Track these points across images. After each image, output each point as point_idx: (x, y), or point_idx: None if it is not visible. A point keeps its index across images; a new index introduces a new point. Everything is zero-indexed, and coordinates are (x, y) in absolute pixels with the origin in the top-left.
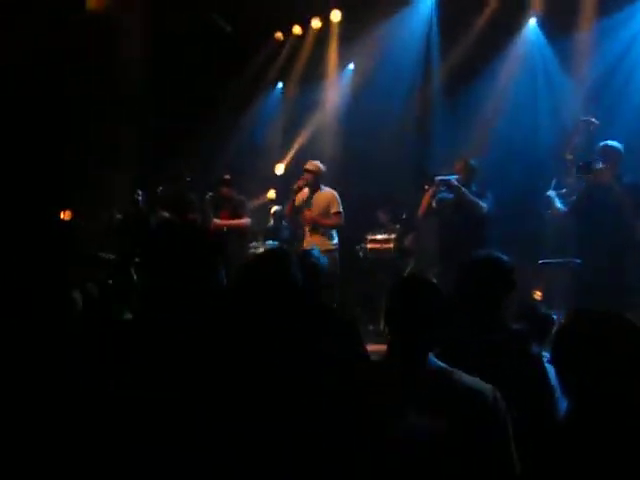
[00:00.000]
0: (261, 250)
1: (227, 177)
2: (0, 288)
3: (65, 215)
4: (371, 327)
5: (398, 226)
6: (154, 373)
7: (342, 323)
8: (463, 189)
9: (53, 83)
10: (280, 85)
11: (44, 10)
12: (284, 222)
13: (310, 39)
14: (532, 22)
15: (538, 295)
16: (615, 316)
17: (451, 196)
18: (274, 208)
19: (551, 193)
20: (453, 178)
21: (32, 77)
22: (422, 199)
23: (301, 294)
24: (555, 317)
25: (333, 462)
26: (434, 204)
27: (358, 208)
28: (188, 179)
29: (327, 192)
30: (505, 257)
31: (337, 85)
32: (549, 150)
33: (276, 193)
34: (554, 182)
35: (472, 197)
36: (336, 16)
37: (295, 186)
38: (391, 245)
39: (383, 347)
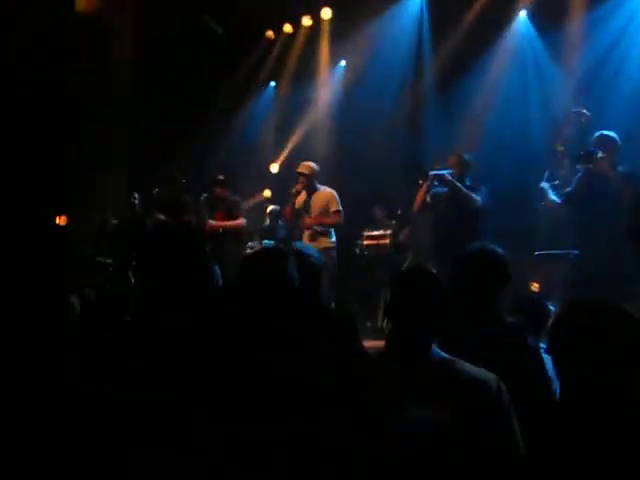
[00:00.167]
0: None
1: (220, 178)
2: None
3: (61, 220)
4: (369, 324)
5: (394, 222)
6: (151, 375)
7: (340, 321)
8: (457, 183)
9: (44, 85)
10: (272, 84)
11: (34, 11)
12: (280, 221)
13: (301, 37)
14: (522, 15)
15: (535, 287)
16: (612, 306)
17: (445, 190)
18: (270, 207)
19: (544, 185)
20: (447, 173)
21: (23, 79)
22: (416, 194)
23: (298, 293)
24: (552, 309)
25: (333, 460)
26: (428, 199)
27: (352, 205)
28: (183, 181)
29: (325, 191)
30: (499, 249)
31: (329, 83)
32: (541, 143)
33: (271, 192)
34: (547, 174)
35: (466, 191)
36: (327, 14)
37: (293, 190)
38: (387, 241)
39: (381, 343)
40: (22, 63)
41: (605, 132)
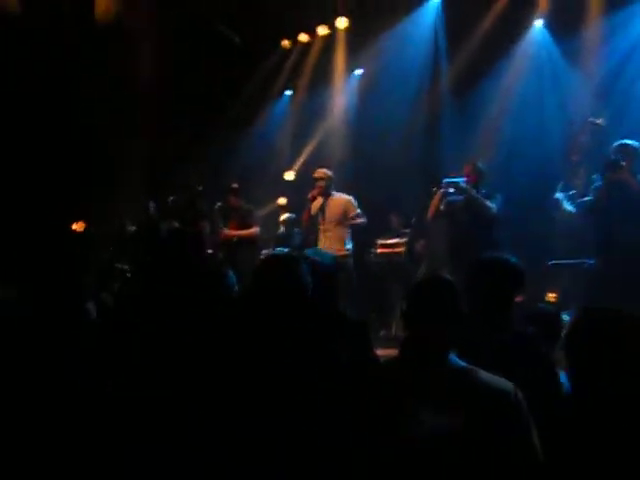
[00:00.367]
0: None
1: (235, 186)
2: (15, 299)
3: (78, 226)
4: (382, 332)
5: (409, 230)
6: (167, 378)
7: (352, 327)
8: (472, 190)
9: (63, 93)
10: (288, 93)
11: (55, 20)
12: (295, 229)
13: (317, 46)
14: (538, 23)
15: (552, 297)
16: (627, 315)
17: (460, 198)
18: (285, 215)
19: (559, 195)
20: (461, 181)
21: (42, 87)
22: (430, 202)
23: (310, 299)
24: (567, 319)
25: (343, 463)
26: (442, 207)
27: (368, 212)
28: (199, 188)
29: (340, 198)
30: (514, 259)
31: (345, 91)
32: (557, 150)
33: (286, 200)
34: (561, 184)
35: (481, 198)
36: (342, 23)
37: (310, 195)
38: (402, 249)
39: (394, 352)
40: (41, 71)
41: (626, 141)
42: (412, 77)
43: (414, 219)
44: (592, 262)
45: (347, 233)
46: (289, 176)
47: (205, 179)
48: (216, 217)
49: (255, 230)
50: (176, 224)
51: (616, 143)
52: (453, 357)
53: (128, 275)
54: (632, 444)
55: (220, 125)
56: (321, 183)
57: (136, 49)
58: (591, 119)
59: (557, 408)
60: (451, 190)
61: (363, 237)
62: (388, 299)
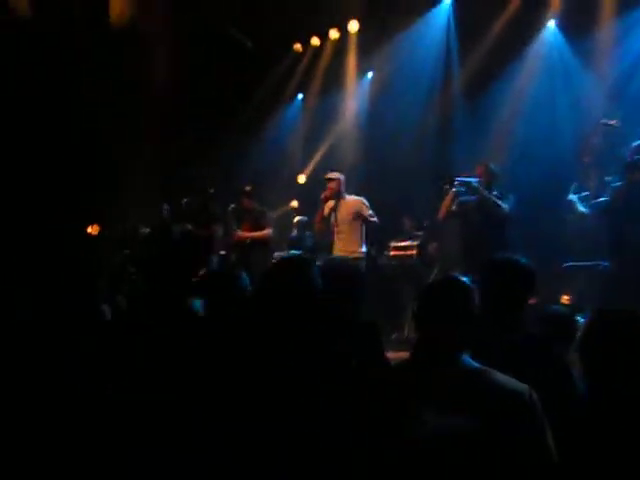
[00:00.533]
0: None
1: (248, 189)
2: (30, 302)
3: (93, 229)
4: (394, 335)
5: (421, 233)
6: (172, 380)
7: (363, 327)
8: (484, 190)
9: (77, 97)
10: (300, 96)
11: (68, 23)
12: (307, 231)
13: (328, 50)
14: (551, 24)
15: (566, 300)
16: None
17: (472, 198)
18: (297, 218)
19: (572, 197)
20: (474, 181)
21: (58, 92)
22: (442, 202)
23: (320, 300)
24: (581, 320)
25: (350, 465)
26: (454, 207)
27: (380, 215)
28: (211, 191)
29: (353, 200)
30: (524, 259)
31: (356, 93)
32: (569, 151)
33: (298, 202)
34: (574, 186)
35: (493, 198)
36: (353, 26)
37: (323, 197)
38: (414, 252)
39: (406, 354)
40: (55, 76)
41: None
42: (424, 79)
43: (427, 221)
44: (606, 264)
45: (361, 235)
46: (301, 179)
47: (217, 182)
48: (229, 219)
49: (268, 232)
50: (189, 227)
51: (635, 143)
52: (466, 358)
53: (133, 277)
54: None
55: (232, 129)
56: (332, 184)
57: (150, 53)
58: (604, 120)
59: (571, 410)
60: (462, 190)
61: (376, 239)
62: (400, 301)
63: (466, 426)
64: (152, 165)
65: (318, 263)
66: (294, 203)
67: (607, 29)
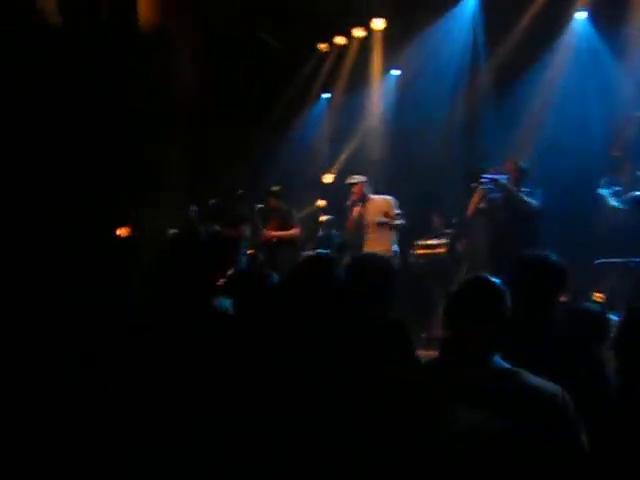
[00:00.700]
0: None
1: (275, 189)
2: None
3: (123, 232)
4: (424, 334)
5: (450, 230)
6: (178, 379)
7: (392, 325)
8: (512, 187)
9: (106, 100)
10: (326, 96)
11: (98, 27)
12: (334, 230)
13: (354, 48)
14: (580, 15)
15: (598, 297)
16: None
17: (500, 195)
18: (324, 217)
19: (603, 192)
20: (502, 178)
21: (86, 95)
22: (470, 199)
23: (345, 299)
24: (615, 319)
25: (378, 464)
26: (483, 204)
27: (409, 213)
28: (239, 192)
29: (380, 200)
30: (555, 256)
31: (382, 91)
32: (600, 145)
33: (325, 202)
34: (605, 180)
35: (521, 195)
36: (378, 24)
37: (349, 203)
38: (442, 250)
39: (435, 353)
40: (85, 79)
41: None
42: (450, 75)
43: (456, 218)
44: (638, 260)
45: (392, 235)
46: (328, 179)
47: (246, 183)
48: (257, 219)
49: (295, 231)
50: (217, 227)
51: None
52: (497, 359)
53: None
54: None
55: (260, 129)
56: (355, 189)
57: (178, 54)
58: (637, 113)
59: (605, 408)
60: (491, 187)
61: (405, 238)
62: (430, 300)
63: (497, 426)
64: (180, 166)
65: (347, 260)
66: (321, 202)
67: (638, 20)
